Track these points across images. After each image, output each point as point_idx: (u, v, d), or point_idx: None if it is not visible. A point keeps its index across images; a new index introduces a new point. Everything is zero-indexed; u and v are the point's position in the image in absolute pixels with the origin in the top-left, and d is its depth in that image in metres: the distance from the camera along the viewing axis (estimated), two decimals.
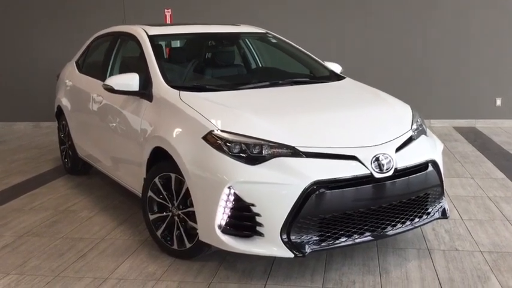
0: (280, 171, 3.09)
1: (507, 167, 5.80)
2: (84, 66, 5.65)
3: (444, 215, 3.59)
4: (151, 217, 3.74)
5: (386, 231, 3.31)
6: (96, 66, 5.27)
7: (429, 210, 3.54)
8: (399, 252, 3.66)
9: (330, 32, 8.32)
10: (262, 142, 3.18)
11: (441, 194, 3.62)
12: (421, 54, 8.21)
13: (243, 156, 3.15)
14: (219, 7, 8.47)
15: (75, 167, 5.85)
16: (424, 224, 3.53)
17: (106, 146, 4.71)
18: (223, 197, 3.11)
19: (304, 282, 3.26)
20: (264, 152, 3.16)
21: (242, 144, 3.18)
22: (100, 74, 4.94)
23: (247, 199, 3.08)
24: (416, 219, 3.46)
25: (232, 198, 3.11)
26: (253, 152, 3.16)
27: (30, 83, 9.15)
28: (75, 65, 5.79)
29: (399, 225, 3.36)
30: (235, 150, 3.17)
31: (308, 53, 4.92)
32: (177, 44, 5.34)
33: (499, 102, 8.22)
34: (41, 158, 6.84)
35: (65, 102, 5.69)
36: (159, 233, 3.70)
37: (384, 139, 3.40)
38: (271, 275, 3.37)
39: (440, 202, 3.62)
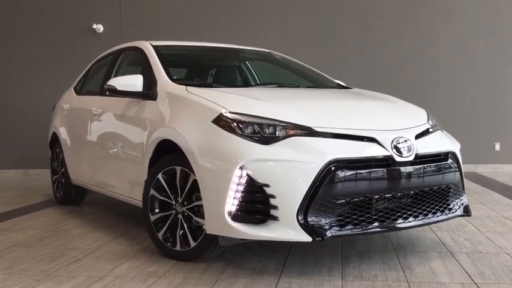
0: (296, 150, 2.90)
1: None
2: (83, 89, 5.52)
3: (467, 212, 3.39)
4: (152, 218, 3.47)
5: (410, 222, 3.09)
6: (96, 85, 5.14)
7: (451, 206, 3.33)
8: (419, 254, 3.41)
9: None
10: (276, 122, 3.01)
11: (462, 190, 3.43)
12: (418, 99, 8.17)
13: (256, 137, 2.97)
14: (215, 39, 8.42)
15: (67, 196, 5.58)
16: (448, 218, 3.31)
17: (107, 159, 4.46)
18: (235, 179, 2.89)
19: (322, 276, 2.99)
20: (278, 133, 2.98)
21: (255, 125, 3.00)
22: (100, 89, 4.80)
23: (261, 179, 2.86)
24: (439, 213, 3.24)
25: (244, 180, 2.89)
26: (266, 133, 2.98)
27: (18, 130, 8.94)
28: (73, 90, 5.67)
29: (421, 216, 3.14)
30: (248, 131, 2.99)
31: (312, 68, 4.84)
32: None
33: (497, 147, 8.15)
34: (30, 195, 6.52)
35: (60, 126, 5.50)
36: (160, 234, 3.43)
37: (403, 126, 3.25)
38: (284, 272, 3.09)
39: (461, 199, 3.42)
